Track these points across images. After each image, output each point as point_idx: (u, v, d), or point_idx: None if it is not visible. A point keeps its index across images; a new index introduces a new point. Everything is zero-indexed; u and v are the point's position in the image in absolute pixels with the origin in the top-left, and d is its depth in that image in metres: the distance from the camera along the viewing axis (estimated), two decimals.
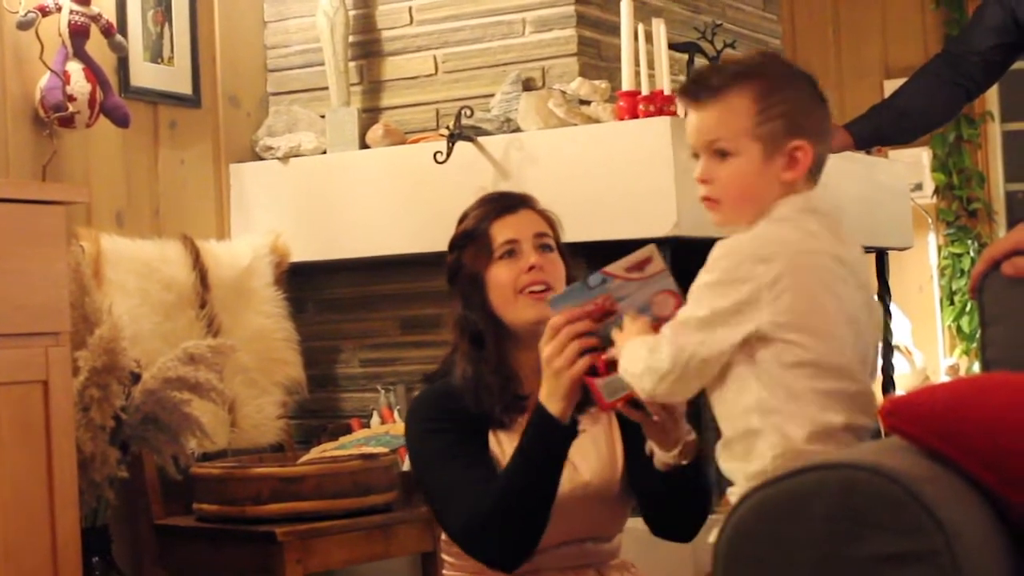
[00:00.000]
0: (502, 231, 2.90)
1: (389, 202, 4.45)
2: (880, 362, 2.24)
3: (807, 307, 2.29)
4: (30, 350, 3.15)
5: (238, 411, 4.24)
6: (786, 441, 2.27)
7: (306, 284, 4.71)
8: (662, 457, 2.69)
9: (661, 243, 4.04)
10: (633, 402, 2.58)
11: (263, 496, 3.84)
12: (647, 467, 2.73)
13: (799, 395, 2.28)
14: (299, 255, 4.60)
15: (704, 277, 2.33)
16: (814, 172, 2.44)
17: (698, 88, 2.48)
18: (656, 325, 2.43)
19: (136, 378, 3.68)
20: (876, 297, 2.48)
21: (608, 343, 2.50)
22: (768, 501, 2.06)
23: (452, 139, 4.26)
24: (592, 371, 2.55)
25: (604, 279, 2.52)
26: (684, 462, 2.68)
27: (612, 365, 2.50)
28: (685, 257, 4.18)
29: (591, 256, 3.75)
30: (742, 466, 2.32)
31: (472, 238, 2.92)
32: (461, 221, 2.99)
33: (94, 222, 4.20)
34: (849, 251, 2.40)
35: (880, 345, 2.58)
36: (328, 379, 4.74)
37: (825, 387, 2.28)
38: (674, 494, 2.75)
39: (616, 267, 2.52)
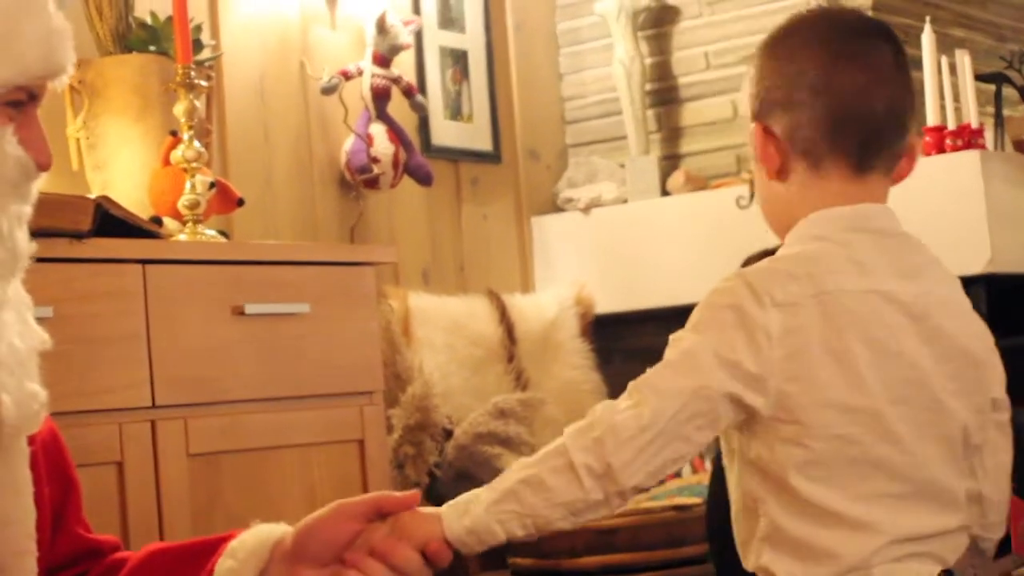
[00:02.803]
0: None
1: (692, 249, 4.42)
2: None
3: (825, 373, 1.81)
4: (346, 409, 3.19)
5: None
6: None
7: (612, 334, 4.69)
8: None
9: (975, 281, 3.94)
10: None
11: (578, 549, 3.82)
12: None
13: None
14: (604, 306, 4.59)
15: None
16: (816, 160, 1.89)
17: None
18: None
19: (448, 434, 3.71)
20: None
21: None
22: None
23: (754, 183, 4.20)
24: None
25: None
26: None
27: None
28: (1002, 296, 4.06)
29: None
30: None
31: None
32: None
33: (401, 280, 4.26)
34: (913, 286, 1.89)
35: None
36: None
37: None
38: None
39: None
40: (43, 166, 1.66)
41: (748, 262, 2.36)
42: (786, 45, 1.92)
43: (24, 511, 1.67)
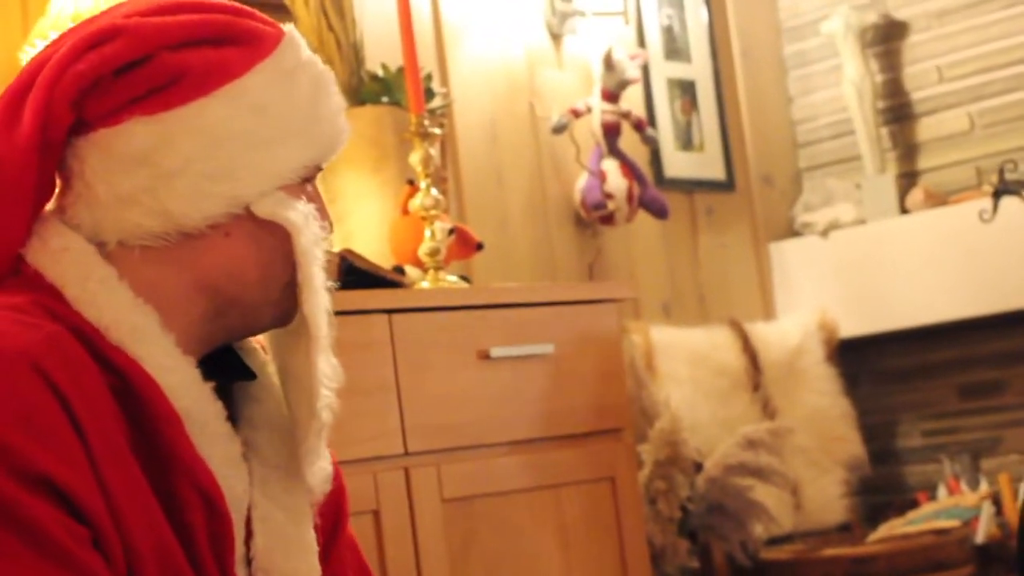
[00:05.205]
0: None
1: (935, 267, 4.34)
2: None
3: None
4: (596, 448, 3.19)
5: (801, 492, 4.19)
6: None
7: (857, 358, 4.62)
8: None
9: None
10: None
11: None
12: None
13: None
14: (848, 329, 4.52)
15: None
16: None
17: None
18: None
19: (698, 467, 3.69)
20: None
21: None
22: None
23: (997, 195, 4.11)
24: None
25: None
26: None
27: None
28: None
29: None
30: None
31: None
32: None
33: (642, 314, 4.25)
34: None
35: None
36: (888, 453, 4.63)
37: None
38: None
39: None
40: (328, 234, 1.70)
41: None
42: None
43: (312, 570, 1.72)
